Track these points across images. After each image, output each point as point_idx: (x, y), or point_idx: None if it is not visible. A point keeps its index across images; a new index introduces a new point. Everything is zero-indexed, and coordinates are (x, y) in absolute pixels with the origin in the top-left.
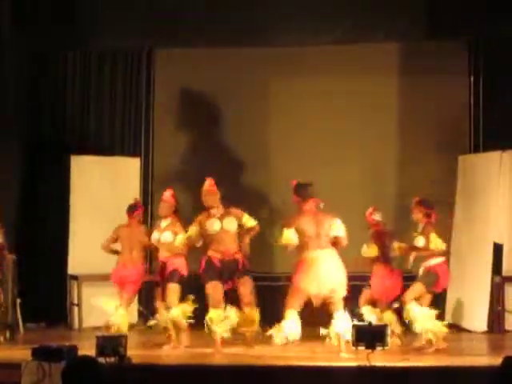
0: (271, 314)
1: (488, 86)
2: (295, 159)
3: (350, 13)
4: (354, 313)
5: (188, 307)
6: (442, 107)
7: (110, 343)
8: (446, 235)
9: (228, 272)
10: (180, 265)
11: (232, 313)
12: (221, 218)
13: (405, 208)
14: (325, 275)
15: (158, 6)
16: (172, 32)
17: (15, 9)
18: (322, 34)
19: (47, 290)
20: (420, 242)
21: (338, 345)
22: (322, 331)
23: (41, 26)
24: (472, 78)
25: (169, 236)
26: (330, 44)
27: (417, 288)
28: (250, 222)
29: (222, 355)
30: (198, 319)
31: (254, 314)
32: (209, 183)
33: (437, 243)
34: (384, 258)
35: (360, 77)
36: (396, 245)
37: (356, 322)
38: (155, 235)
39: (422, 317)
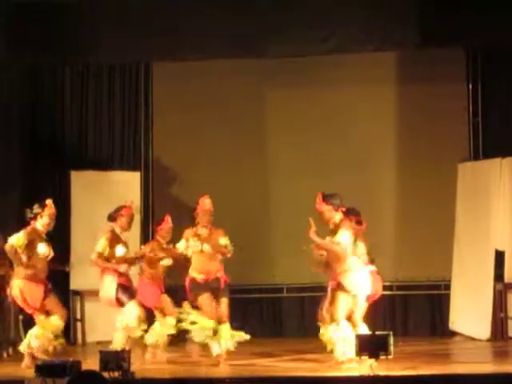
0: (273, 325)
1: (486, 92)
2: (293, 170)
3: (344, 22)
4: None
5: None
6: (441, 115)
7: (114, 358)
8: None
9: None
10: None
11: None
12: (204, 240)
13: (405, 216)
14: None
15: (154, 20)
16: (169, 45)
17: (11, 24)
18: (316, 44)
19: None
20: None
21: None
22: None
23: (38, 41)
24: (470, 85)
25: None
26: (325, 54)
27: None
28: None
29: (226, 367)
30: None
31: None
32: (208, 203)
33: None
34: None
35: (356, 86)
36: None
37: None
38: (122, 249)
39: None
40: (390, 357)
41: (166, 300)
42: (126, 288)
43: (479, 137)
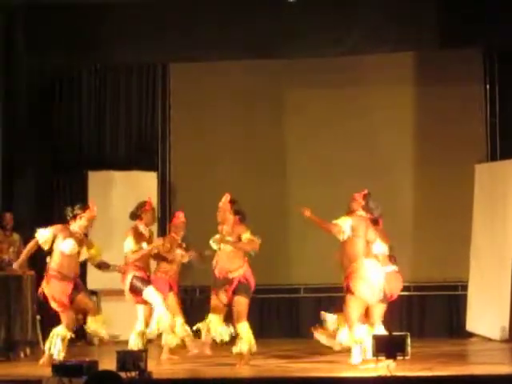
0: (290, 326)
1: (504, 92)
2: (311, 170)
3: (360, 23)
4: None
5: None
6: (458, 115)
7: (131, 358)
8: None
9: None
10: None
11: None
12: (222, 237)
13: (422, 217)
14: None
15: (172, 21)
16: (186, 46)
17: (29, 26)
18: (334, 45)
19: None
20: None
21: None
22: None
23: (56, 43)
24: (487, 86)
25: None
26: (341, 55)
27: None
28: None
29: (243, 367)
30: None
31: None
32: (223, 199)
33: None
34: None
35: (374, 87)
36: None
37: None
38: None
39: None
40: (407, 357)
41: (174, 300)
42: (142, 278)
43: (496, 138)
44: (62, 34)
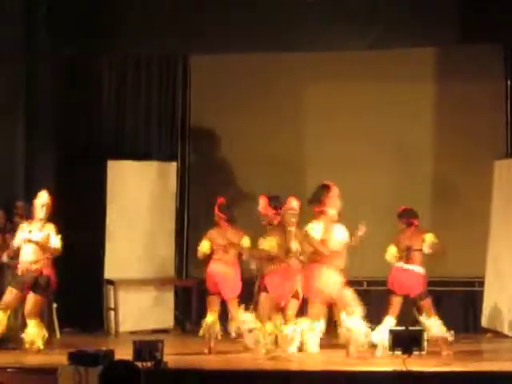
0: None
1: None
2: (330, 164)
3: (382, 17)
4: None
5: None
6: (478, 112)
7: (147, 348)
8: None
9: None
10: None
11: None
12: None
13: (440, 213)
14: None
15: (192, 12)
16: (207, 37)
17: (51, 14)
18: (355, 39)
19: (84, 295)
20: None
21: None
22: None
23: (77, 32)
24: (508, 82)
25: None
26: (364, 50)
27: None
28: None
29: (256, 360)
30: None
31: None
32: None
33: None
34: None
35: (394, 82)
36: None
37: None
38: None
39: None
40: (423, 353)
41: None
42: None
43: None
44: (84, 22)
